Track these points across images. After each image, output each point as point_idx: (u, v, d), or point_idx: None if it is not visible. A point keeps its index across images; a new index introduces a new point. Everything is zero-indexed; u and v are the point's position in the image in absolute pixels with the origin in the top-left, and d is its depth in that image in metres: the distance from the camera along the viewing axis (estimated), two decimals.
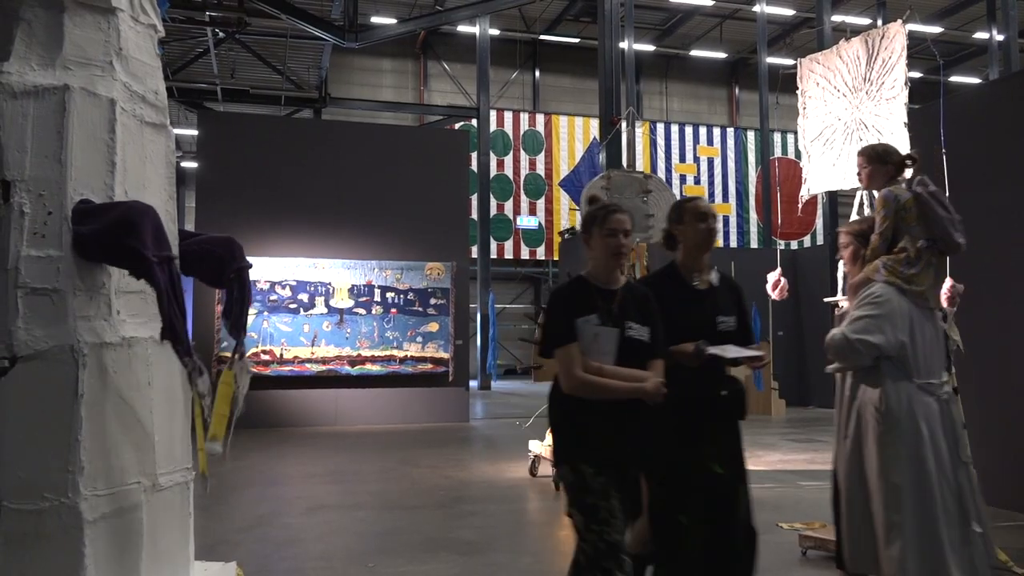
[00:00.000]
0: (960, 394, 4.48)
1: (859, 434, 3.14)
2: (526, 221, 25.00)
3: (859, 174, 3.49)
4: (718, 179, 26.78)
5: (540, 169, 25.32)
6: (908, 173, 3.41)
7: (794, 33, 25.49)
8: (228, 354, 11.36)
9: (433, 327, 11.74)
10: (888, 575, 2.96)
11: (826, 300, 5.08)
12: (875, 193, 3.44)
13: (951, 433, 3.10)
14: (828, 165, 4.88)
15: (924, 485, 2.97)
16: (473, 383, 16.05)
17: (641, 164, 24.96)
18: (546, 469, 7.25)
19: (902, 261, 3.18)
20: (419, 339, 11.67)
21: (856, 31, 5.03)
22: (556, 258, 22.41)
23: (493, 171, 23.38)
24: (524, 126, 25.33)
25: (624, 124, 9.79)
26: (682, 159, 26.52)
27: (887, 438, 3.03)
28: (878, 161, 3.39)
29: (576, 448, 2.74)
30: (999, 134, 5.99)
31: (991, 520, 4.06)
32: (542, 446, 7.17)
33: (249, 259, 3.17)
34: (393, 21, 20.96)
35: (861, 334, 3.10)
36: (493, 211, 23.39)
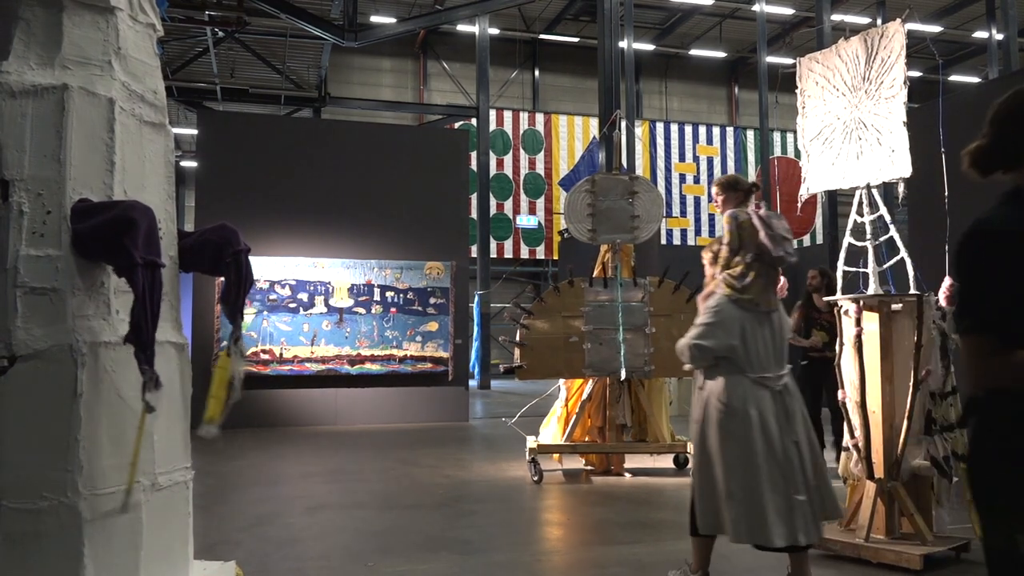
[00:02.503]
0: (959, 393, 4.50)
1: (705, 418, 3.73)
2: (526, 220, 25.00)
3: (715, 201, 4.07)
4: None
5: (540, 168, 25.32)
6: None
7: (793, 32, 25.48)
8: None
9: (433, 326, 11.73)
10: (726, 533, 3.61)
11: (825, 299, 5.08)
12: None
13: (783, 418, 3.64)
14: (827, 164, 4.87)
15: (752, 461, 3.55)
16: (472, 382, 16.06)
17: (641, 163, 24.97)
18: (546, 465, 7.25)
19: (736, 275, 3.74)
20: (419, 338, 11.67)
21: (855, 30, 5.02)
22: (556, 257, 22.40)
23: (493, 170, 23.37)
24: (524, 125, 25.33)
25: (617, 126, 9.77)
26: (682, 158, 26.53)
27: (724, 422, 3.63)
28: (730, 189, 3.99)
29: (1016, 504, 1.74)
30: None
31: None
32: (536, 441, 7.18)
33: (248, 259, 3.16)
34: (393, 20, 20.95)
35: (696, 339, 3.72)
36: (493, 210, 23.39)
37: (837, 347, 4.76)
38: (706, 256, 3.99)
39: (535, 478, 6.86)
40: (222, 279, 3.11)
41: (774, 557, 4.38)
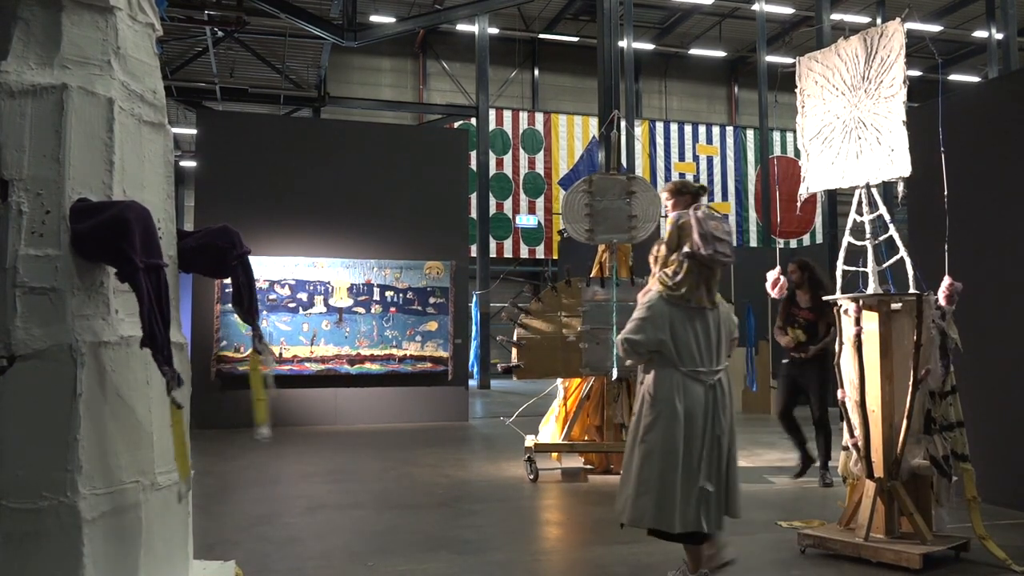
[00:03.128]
0: (959, 392, 4.50)
1: (640, 410, 3.89)
2: (525, 220, 25.00)
3: (665, 207, 4.29)
4: (717, 178, 26.78)
5: (539, 168, 25.32)
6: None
7: (793, 32, 25.50)
8: (228, 353, 11.26)
9: (432, 326, 11.73)
10: (632, 519, 3.75)
11: (825, 299, 5.08)
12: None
13: (711, 412, 3.79)
14: (827, 164, 4.87)
15: (672, 450, 3.71)
16: (472, 382, 16.06)
17: (640, 163, 24.96)
18: (546, 464, 7.26)
19: (669, 273, 3.91)
20: (418, 338, 11.66)
21: (855, 29, 5.02)
22: (555, 257, 22.41)
23: (492, 170, 23.37)
24: (523, 125, 25.33)
25: (615, 126, 9.77)
26: (681, 158, 26.52)
27: (649, 413, 3.80)
28: (677, 194, 4.22)
29: None
30: (998, 132, 5.99)
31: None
32: (534, 440, 7.18)
33: (248, 259, 3.17)
34: (392, 20, 20.95)
35: (627, 334, 3.88)
36: (492, 210, 23.38)
37: (836, 346, 4.75)
38: (651, 257, 4.11)
39: (531, 476, 6.87)
40: (222, 280, 3.12)
41: (774, 561, 4.38)
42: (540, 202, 25.20)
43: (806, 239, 26.37)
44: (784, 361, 6.95)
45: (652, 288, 3.97)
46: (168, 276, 2.94)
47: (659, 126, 26.58)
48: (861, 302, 4.58)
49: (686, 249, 3.87)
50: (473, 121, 21.16)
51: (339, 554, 4.60)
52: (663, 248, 3.99)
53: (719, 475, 3.77)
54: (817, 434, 6.82)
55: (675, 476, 3.69)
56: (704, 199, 4.24)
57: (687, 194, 4.20)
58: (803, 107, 5.07)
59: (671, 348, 3.81)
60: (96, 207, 2.67)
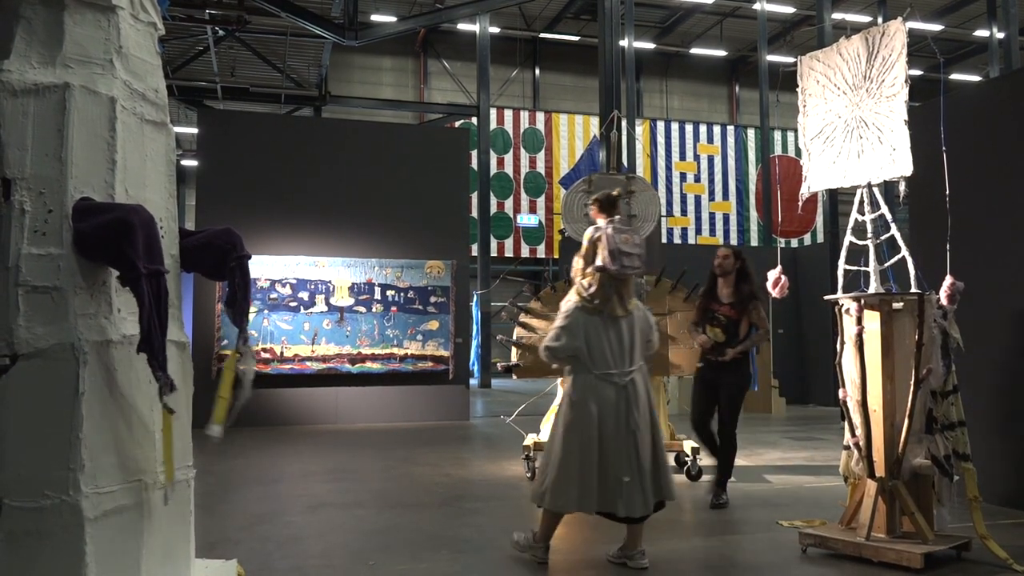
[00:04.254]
0: (960, 392, 4.50)
1: (560, 408, 4.34)
2: (526, 219, 25.00)
3: (595, 218, 4.69)
4: (718, 177, 26.77)
5: (540, 167, 25.32)
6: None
7: (794, 31, 25.49)
8: (229, 352, 11.35)
9: (433, 325, 11.73)
10: (555, 505, 4.20)
11: (826, 298, 5.08)
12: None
13: (624, 410, 4.19)
14: (828, 163, 4.87)
15: (587, 447, 4.15)
16: (473, 381, 16.06)
17: (641, 162, 24.95)
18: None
19: (585, 284, 4.28)
20: (419, 337, 11.67)
21: (856, 29, 5.02)
22: (556, 256, 22.41)
23: (493, 169, 23.37)
24: (524, 124, 25.33)
25: (615, 126, 9.77)
26: (682, 157, 26.51)
27: (567, 413, 4.26)
28: (600, 205, 4.72)
29: None
30: (1000, 132, 5.99)
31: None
32: (534, 439, 7.18)
33: (247, 263, 3.17)
34: (393, 19, 20.96)
35: (548, 341, 4.32)
36: (493, 209, 23.39)
37: (838, 346, 4.75)
38: (572, 268, 4.50)
39: (528, 475, 6.88)
40: (222, 282, 3.13)
41: (782, 557, 4.39)
42: (541, 201, 25.20)
43: (807, 238, 26.37)
44: (699, 364, 6.13)
45: (572, 297, 4.36)
46: (170, 276, 2.95)
47: (660, 125, 26.57)
48: (863, 301, 4.57)
49: (598, 263, 4.23)
50: (474, 120, 21.17)
51: (340, 553, 4.60)
52: (580, 260, 4.39)
53: (638, 465, 4.16)
54: (722, 446, 5.95)
55: (592, 468, 4.13)
56: (618, 211, 4.67)
57: (608, 204, 4.65)
58: (804, 106, 5.07)
59: (586, 354, 4.23)
60: (100, 207, 2.67)
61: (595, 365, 4.21)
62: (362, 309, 11.47)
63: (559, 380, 7.52)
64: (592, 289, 4.24)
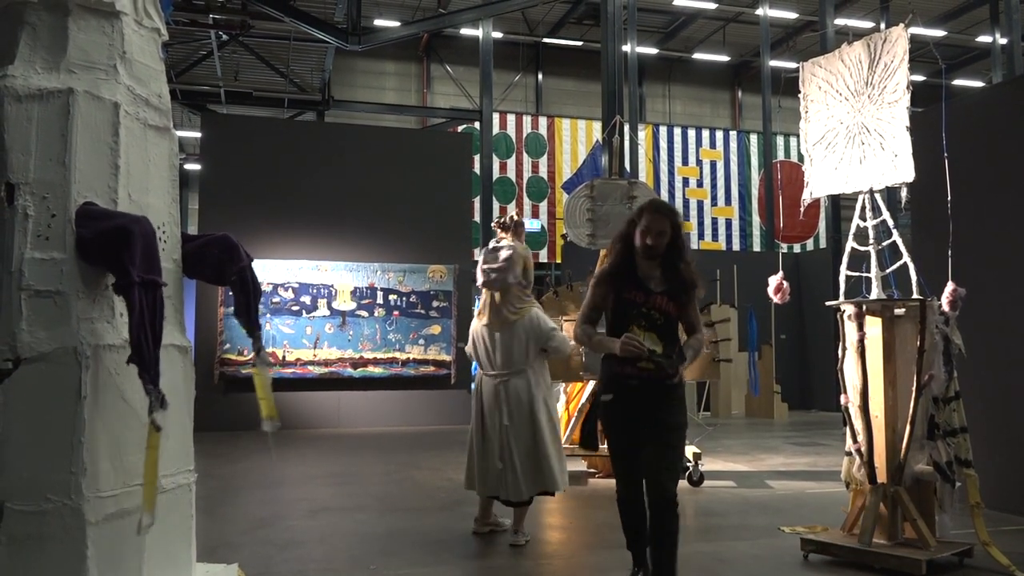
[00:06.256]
0: (962, 398, 4.50)
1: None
2: (529, 224, 25.00)
3: (503, 238, 5.21)
4: (720, 182, 26.76)
5: (543, 172, 25.32)
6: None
7: (797, 36, 25.49)
8: (231, 356, 11.28)
9: (435, 329, 11.74)
10: (467, 486, 5.16)
11: (828, 304, 5.08)
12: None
13: (495, 405, 4.92)
14: (830, 169, 4.87)
15: (475, 436, 5.01)
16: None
17: (643, 167, 24.96)
18: None
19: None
20: (421, 341, 11.67)
21: (859, 34, 5.02)
22: (559, 261, 22.41)
23: (496, 174, 23.36)
24: (527, 129, 25.33)
25: (618, 131, 9.78)
26: (684, 162, 26.50)
27: (472, 405, 5.13)
28: (502, 228, 5.30)
29: None
30: (1001, 138, 5.99)
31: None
32: None
33: (253, 270, 3.16)
34: (396, 24, 20.98)
35: (467, 345, 5.22)
36: (495, 214, 23.38)
37: (840, 351, 4.75)
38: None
39: None
40: (225, 286, 3.15)
41: (777, 566, 4.39)
42: (543, 206, 25.19)
43: (809, 244, 26.34)
44: (604, 397, 3.72)
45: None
46: (171, 279, 2.95)
47: (662, 130, 26.56)
48: (865, 307, 4.57)
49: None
50: (477, 125, 21.18)
51: (341, 557, 4.60)
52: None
53: (511, 456, 4.82)
54: (660, 525, 3.54)
55: (474, 455, 5.00)
56: (502, 233, 5.23)
57: (505, 228, 5.24)
58: (807, 112, 5.07)
59: (474, 356, 5.12)
60: (104, 214, 2.68)
61: (482, 366, 5.09)
62: (364, 313, 11.48)
63: (561, 385, 7.54)
64: (479, 303, 5.13)
